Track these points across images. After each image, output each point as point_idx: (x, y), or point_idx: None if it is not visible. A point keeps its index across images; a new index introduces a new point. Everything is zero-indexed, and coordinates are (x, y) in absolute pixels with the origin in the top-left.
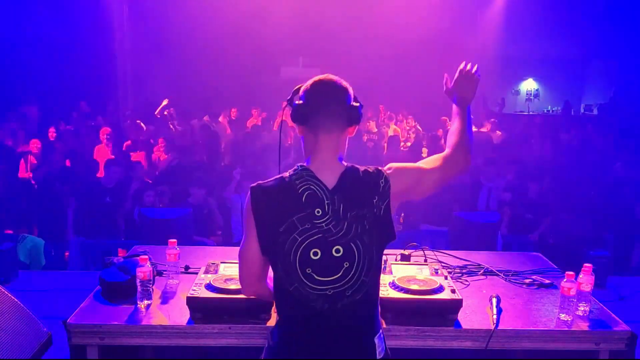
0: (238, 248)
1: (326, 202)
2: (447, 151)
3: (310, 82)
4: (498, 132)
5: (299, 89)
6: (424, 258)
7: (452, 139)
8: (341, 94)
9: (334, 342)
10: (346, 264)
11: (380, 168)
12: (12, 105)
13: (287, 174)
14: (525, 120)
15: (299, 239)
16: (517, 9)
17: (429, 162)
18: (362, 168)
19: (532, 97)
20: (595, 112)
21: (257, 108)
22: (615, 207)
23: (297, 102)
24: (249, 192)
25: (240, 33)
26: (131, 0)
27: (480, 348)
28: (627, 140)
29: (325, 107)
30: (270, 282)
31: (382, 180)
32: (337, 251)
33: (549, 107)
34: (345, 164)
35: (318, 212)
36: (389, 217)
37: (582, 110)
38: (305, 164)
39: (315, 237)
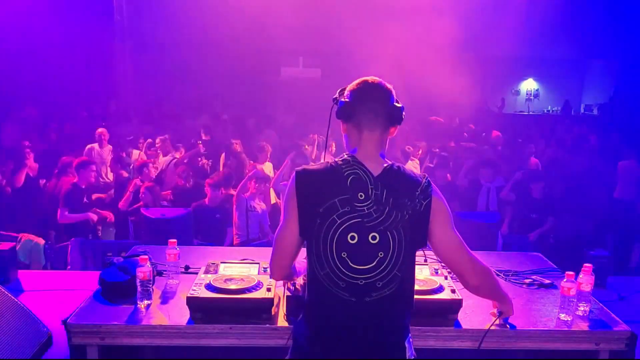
0: (237, 248)
1: (370, 186)
2: (470, 275)
3: (356, 82)
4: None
5: (344, 89)
6: (424, 258)
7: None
8: (385, 94)
9: (362, 340)
10: (381, 254)
11: (427, 175)
12: (12, 106)
13: (333, 160)
14: (525, 121)
15: (338, 221)
16: (517, 10)
17: (457, 250)
18: (407, 168)
19: (532, 97)
20: (595, 112)
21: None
22: (616, 207)
23: (343, 100)
24: (294, 174)
25: (241, 33)
26: (131, 1)
27: (480, 348)
28: (628, 140)
29: (370, 105)
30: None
31: (426, 181)
32: (374, 238)
33: (549, 107)
34: (390, 161)
35: (361, 195)
36: (427, 217)
37: (582, 110)
38: (351, 153)
39: (354, 220)
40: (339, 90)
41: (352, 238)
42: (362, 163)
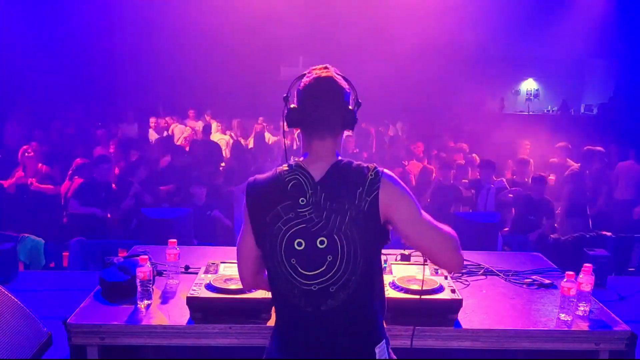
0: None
1: (309, 192)
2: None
3: (304, 81)
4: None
5: (296, 84)
6: (424, 258)
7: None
8: (337, 97)
9: (328, 349)
10: (329, 257)
11: (377, 165)
12: (11, 107)
13: (280, 168)
14: (525, 121)
15: (284, 228)
16: (517, 9)
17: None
18: (356, 163)
19: (532, 97)
20: (595, 112)
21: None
22: (616, 207)
23: (290, 106)
24: (246, 186)
25: (241, 33)
26: (130, 1)
27: (481, 348)
28: (628, 140)
29: (319, 113)
30: None
31: (372, 173)
32: (322, 242)
33: (549, 107)
34: (340, 158)
35: (302, 201)
36: (376, 214)
37: (582, 110)
38: (301, 159)
39: (298, 226)
40: (291, 84)
41: (299, 244)
42: (304, 168)
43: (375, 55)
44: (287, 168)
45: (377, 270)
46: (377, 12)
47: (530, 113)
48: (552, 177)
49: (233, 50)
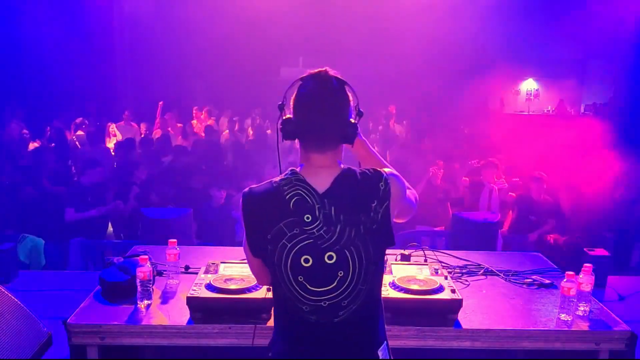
0: (238, 248)
1: (316, 206)
2: None
3: (301, 88)
4: None
5: (292, 90)
6: (424, 258)
7: None
8: (337, 108)
9: (336, 355)
10: (340, 273)
11: (379, 170)
12: (13, 107)
13: (277, 179)
14: (525, 121)
15: (289, 245)
16: (517, 10)
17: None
18: (359, 170)
19: (532, 97)
20: (595, 112)
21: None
22: (616, 207)
23: (285, 116)
24: (241, 198)
25: (241, 33)
26: (130, 1)
27: (481, 348)
28: (628, 140)
29: (317, 126)
30: None
31: (382, 183)
32: (330, 258)
33: (549, 107)
34: (342, 166)
35: (307, 218)
36: (389, 222)
37: (582, 110)
38: (298, 169)
39: (305, 242)
40: (286, 90)
41: (306, 261)
42: (304, 181)
43: (375, 55)
44: (284, 180)
45: (381, 273)
46: (377, 13)
47: (530, 113)
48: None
49: (233, 50)
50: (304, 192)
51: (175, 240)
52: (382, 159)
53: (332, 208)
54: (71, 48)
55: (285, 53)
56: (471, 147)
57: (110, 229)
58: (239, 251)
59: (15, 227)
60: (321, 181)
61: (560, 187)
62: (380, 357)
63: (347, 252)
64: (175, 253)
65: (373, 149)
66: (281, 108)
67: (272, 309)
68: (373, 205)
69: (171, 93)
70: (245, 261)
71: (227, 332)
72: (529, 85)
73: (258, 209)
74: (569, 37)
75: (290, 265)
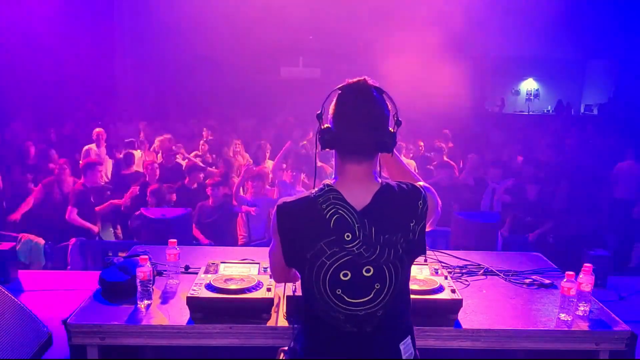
0: (238, 248)
1: (356, 225)
2: None
3: (340, 97)
4: None
5: (329, 99)
6: (424, 258)
7: None
8: (376, 118)
9: (364, 354)
10: (377, 285)
11: (417, 185)
12: (13, 106)
13: (313, 192)
14: (525, 121)
15: (328, 262)
16: (517, 10)
17: None
18: (397, 186)
19: (532, 97)
20: (595, 112)
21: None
22: (616, 207)
23: (323, 126)
24: (275, 210)
25: (241, 33)
26: (131, 1)
27: (481, 348)
28: (628, 140)
29: (356, 137)
30: None
31: (421, 202)
32: (368, 271)
33: (549, 107)
34: (380, 180)
35: (348, 236)
36: (424, 237)
37: (582, 110)
38: (332, 182)
39: (345, 259)
40: (326, 98)
41: (345, 275)
42: (343, 199)
43: (375, 54)
44: (321, 196)
45: (408, 281)
46: (377, 12)
47: (530, 113)
48: None
49: (233, 50)
50: (343, 211)
51: (175, 240)
52: (411, 170)
53: (372, 229)
54: (72, 48)
55: (285, 53)
56: (471, 147)
57: (110, 229)
58: (239, 251)
59: (16, 228)
60: (359, 197)
61: (558, 188)
62: (402, 351)
63: (384, 267)
64: (175, 253)
65: (401, 159)
66: (319, 118)
67: (273, 307)
68: (411, 224)
69: (170, 93)
70: (245, 261)
71: (227, 332)
72: (529, 85)
73: (296, 225)
74: (569, 37)
75: (329, 280)
